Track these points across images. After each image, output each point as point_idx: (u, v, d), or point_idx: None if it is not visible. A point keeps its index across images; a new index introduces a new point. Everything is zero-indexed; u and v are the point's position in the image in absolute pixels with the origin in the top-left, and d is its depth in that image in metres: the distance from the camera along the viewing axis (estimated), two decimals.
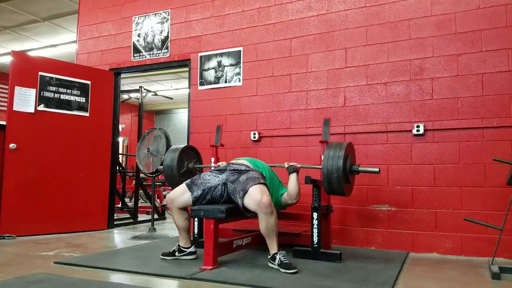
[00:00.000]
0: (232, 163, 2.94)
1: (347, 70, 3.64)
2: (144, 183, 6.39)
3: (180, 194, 2.80)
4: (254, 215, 2.63)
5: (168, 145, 3.93)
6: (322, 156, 2.88)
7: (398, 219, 3.33)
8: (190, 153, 3.52)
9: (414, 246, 3.26)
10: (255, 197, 2.53)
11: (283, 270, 2.44)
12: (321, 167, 2.75)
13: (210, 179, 2.82)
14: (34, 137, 4.07)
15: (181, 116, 13.29)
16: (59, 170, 4.19)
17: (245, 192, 2.59)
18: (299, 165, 2.94)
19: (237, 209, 2.67)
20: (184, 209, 2.83)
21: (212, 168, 3.22)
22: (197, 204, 2.75)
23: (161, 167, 3.49)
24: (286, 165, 2.94)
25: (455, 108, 3.24)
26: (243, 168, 2.83)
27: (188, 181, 2.87)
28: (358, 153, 3.43)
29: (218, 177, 2.82)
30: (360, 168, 2.76)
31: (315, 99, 3.74)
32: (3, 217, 3.84)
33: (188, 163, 3.43)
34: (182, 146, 3.44)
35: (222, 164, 3.12)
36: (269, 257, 2.58)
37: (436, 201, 3.23)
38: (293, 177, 2.87)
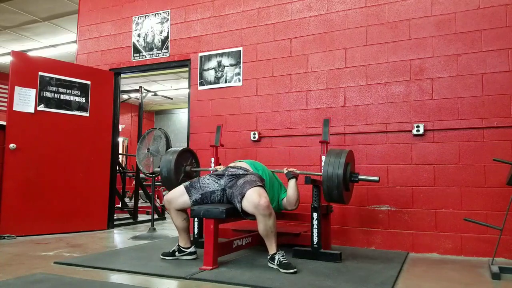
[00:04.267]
0: (231, 167, 2.89)
1: (347, 70, 3.64)
2: (144, 183, 6.39)
3: (178, 196, 2.79)
4: (254, 218, 2.61)
5: (168, 145, 3.93)
6: (322, 162, 2.85)
7: (398, 219, 3.33)
8: (186, 156, 3.39)
9: (414, 246, 3.26)
10: (253, 199, 2.51)
11: (282, 270, 2.44)
12: (321, 174, 2.73)
13: (210, 183, 2.80)
14: (34, 137, 4.07)
15: (181, 116, 13.29)
16: (59, 170, 4.19)
17: (243, 196, 2.58)
18: (298, 171, 2.91)
19: (237, 211, 2.66)
20: (182, 210, 2.83)
21: (211, 171, 3.12)
22: None
23: (158, 169, 3.40)
24: (285, 171, 2.91)
25: (455, 108, 3.24)
26: (241, 172, 2.80)
27: (187, 183, 2.85)
28: (358, 153, 3.43)
29: (217, 182, 2.79)
30: (360, 177, 2.74)
31: (315, 99, 3.74)
32: (3, 217, 3.84)
33: (185, 167, 3.33)
34: (178, 150, 3.27)
35: (220, 168, 3.01)
36: (268, 257, 2.58)
37: (436, 201, 3.23)
38: (292, 183, 2.85)
